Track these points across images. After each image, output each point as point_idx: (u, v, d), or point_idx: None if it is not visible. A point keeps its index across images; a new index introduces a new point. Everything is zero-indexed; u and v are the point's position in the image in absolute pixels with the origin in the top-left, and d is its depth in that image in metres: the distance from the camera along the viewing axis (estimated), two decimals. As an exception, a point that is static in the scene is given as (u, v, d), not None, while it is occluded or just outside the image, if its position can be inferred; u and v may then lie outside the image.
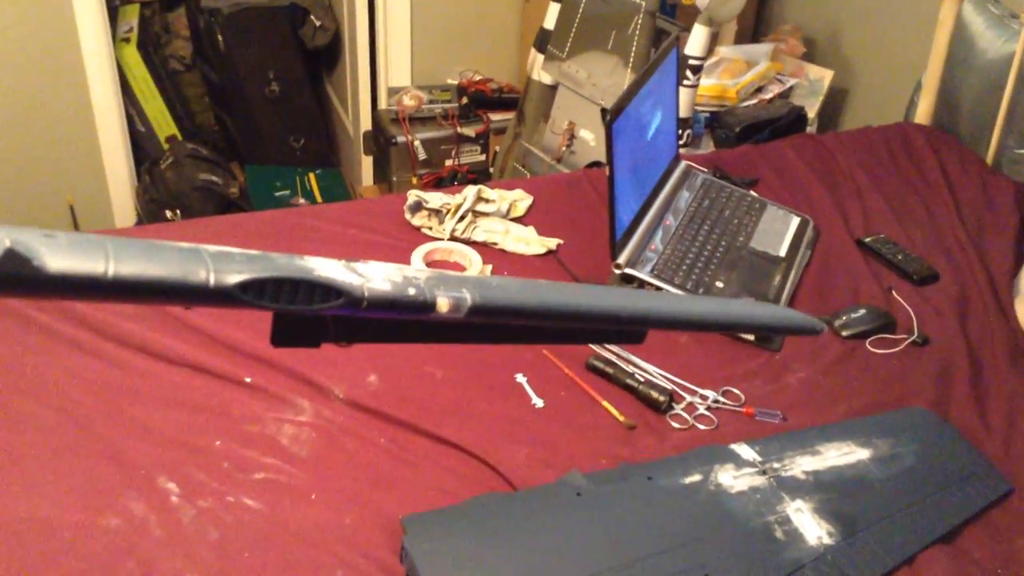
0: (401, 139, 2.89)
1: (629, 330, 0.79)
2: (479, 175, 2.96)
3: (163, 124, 3.26)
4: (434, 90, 3.01)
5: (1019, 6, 2.06)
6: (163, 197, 2.91)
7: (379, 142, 3.00)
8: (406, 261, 1.53)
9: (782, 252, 1.65)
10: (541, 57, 2.47)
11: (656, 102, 1.62)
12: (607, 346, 1.38)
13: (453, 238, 1.61)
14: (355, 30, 2.99)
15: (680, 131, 2.06)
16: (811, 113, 2.54)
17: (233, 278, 0.51)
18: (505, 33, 3.17)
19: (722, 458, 1.17)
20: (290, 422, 1.18)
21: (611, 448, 1.20)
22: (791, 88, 2.59)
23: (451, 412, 1.22)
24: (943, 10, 2.10)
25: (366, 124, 3.12)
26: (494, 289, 0.64)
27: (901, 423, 1.29)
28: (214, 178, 2.96)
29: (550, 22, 2.43)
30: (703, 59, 2.15)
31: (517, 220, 1.70)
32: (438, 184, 2.92)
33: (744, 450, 1.19)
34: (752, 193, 1.82)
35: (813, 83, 2.63)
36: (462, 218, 1.62)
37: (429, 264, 1.56)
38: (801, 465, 1.18)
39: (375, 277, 0.58)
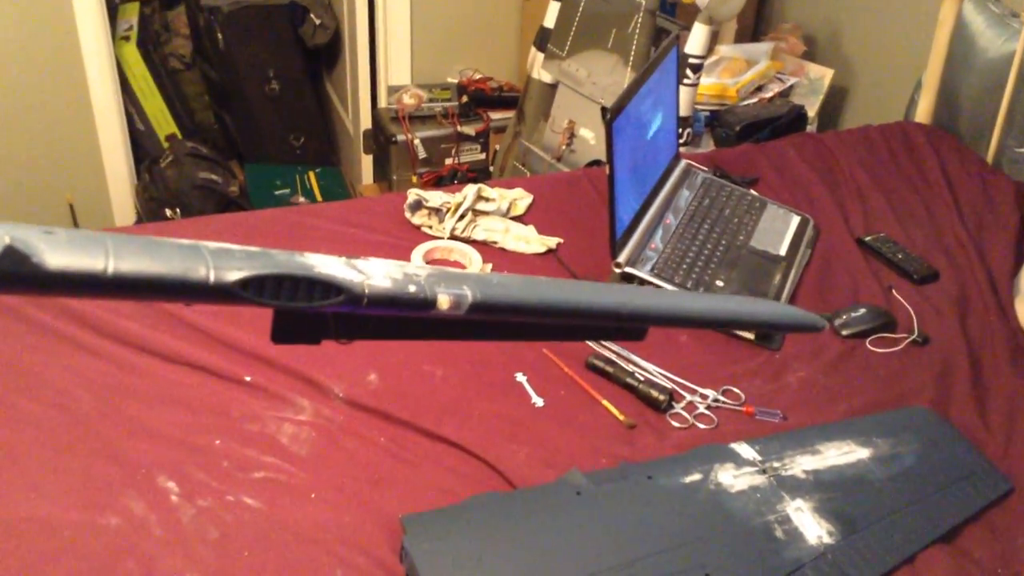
0: (401, 138, 2.89)
1: (630, 327, 0.79)
2: (479, 174, 2.96)
3: (163, 122, 3.26)
4: (434, 89, 3.01)
5: (1019, 5, 2.06)
6: (163, 196, 2.90)
7: (379, 141, 3.00)
8: (406, 260, 1.53)
9: (782, 251, 1.65)
10: (541, 56, 2.46)
11: (656, 101, 1.62)
12: (607, 345, 1.38)
13: (453, 237, 1.60)
14: (355, 28, 2.99)
15: (680, 130, 2.06)
16: (811, 112, 2.54)
17: (233, 275, 0.51)
18: (505, 32, 3.17)
19: (722, 457, 1.17)
20: (290, 421, 1.18)
21: (611, 447, 1.20)
22: (791, 87, 2.59)
23: (451, 411, 1.22)
24: (943, 9, 2.10)
25: (366, 123, 3.12)
26: (495, 286, 0.64)
27: (901, 422, 1.29)
28: (214, 177, 2.95)
29: (550, 21, 2.43)
30: (703, 58, 2.15)
31: (517, 219, 1.70)
32: (438, 183, 2.92)
33: (744, 449, 1.19)
34: (752, 192, 1.82)
35: (813, 82, 2.63)
36: (462, 217, 1.62)
37: (429, 263, 1.56)
38: (801, 464, 1.18)
39: (376, 274, 0.57)
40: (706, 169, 1.86)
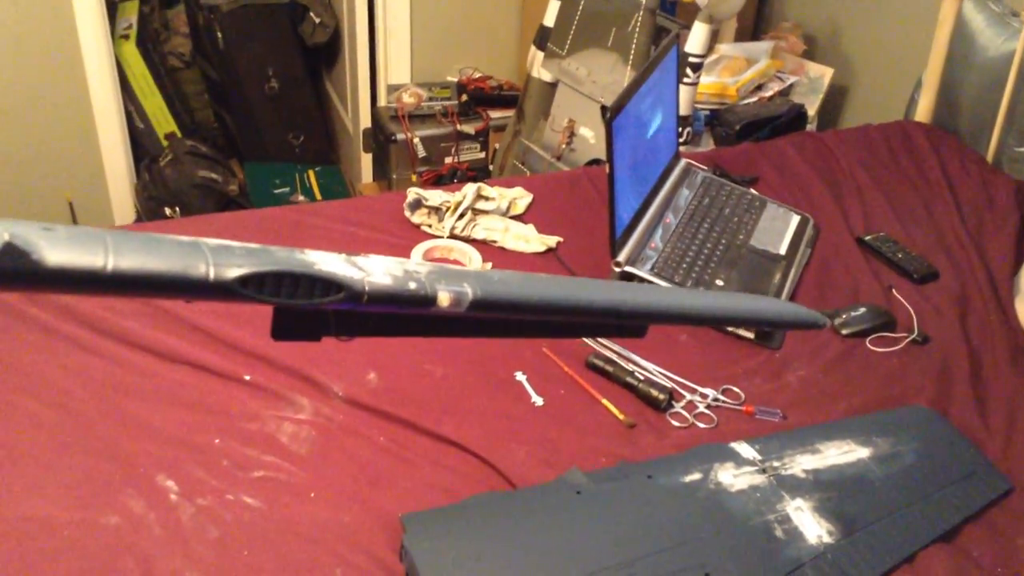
0: (401, 136, 2.89)
1: (631, 324, 0.79)
2: (479, 173, 2.95)
3: (162, 121, 3.26)
4: (434, 87, 3.01)
5: (1020, 4, 2.06)
6: (162, 194, 2.90)
7: (378, 139, 3.00)
8: (406, 258, 1.52)
9: (782, 250, 1.65)
10: (541, 54, 2.46)
11: (656, 100, 1.62)
12: (607, 344, 1.38)
13: (453, 236, 1.60)
14: (355, 27, 2.98)
15: (680, 129, 2.06)
16: (811, 111, 2.53)
17: (233, 272, 0.50)
18: (505, 30, 3.17)
19: (722, 457, 1.17)
20: (289, 420, 1.18)
21: (611, 446, 1.20)
22: (791, 86, 2.59)
23: (451, 410, 1.22)
24: (943, 8, 2.09)
25: (366, 121, 3.12)
26: (495, 283, 0.64)
27: (901, 421, 1.29)
28: (213, 175, 2.95)
29: (550, 19, 2.43)
30: (703, 57, 2.15)
31: (517, 218, 1.69)
32: (438, 182, 2.92)
33: (744, 448, 1.19)
34: (752, 191, 1.82)
35: (813, 81, 2.63)
36: (462, 216, 1.62)
37: (429, 262, 1.56)
38: (801, 464, 1.18)
39: (376, 271, 0.57)
40: (706, 168, 1.86)
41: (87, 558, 0.97)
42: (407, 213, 1.64)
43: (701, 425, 1.26)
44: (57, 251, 0.44)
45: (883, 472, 1.19)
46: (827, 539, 1.07)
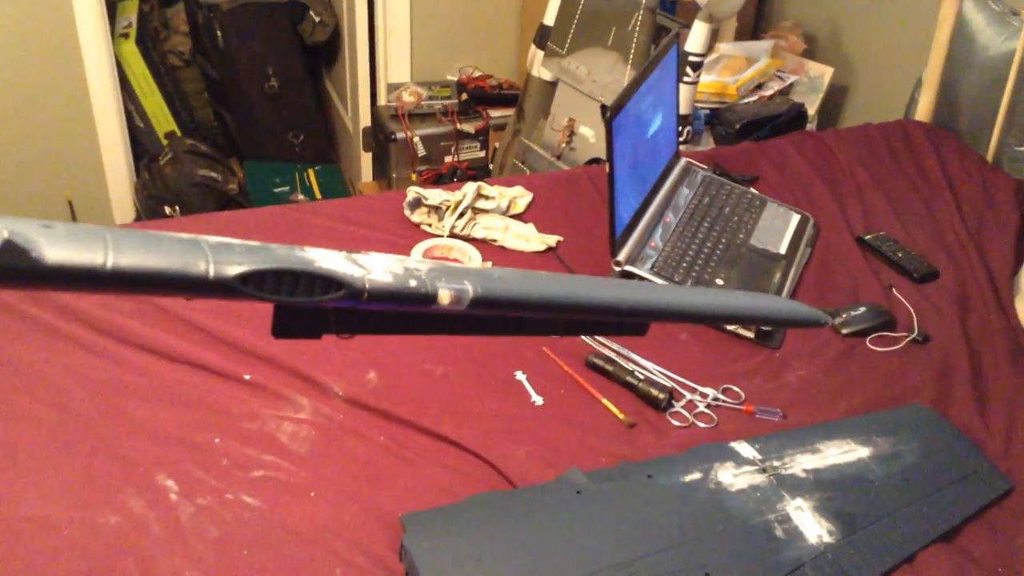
0: (400, 135, 2.89)
1: (631, 321, 0.79)
2: (479, 172, 2.95)
3: (162, 120, 3.25)
4: (434, 86, 3.01)
5: (1020, 3, 2.05)
6: (162, 193, 2.90)
7: (378, 138, 3.00)
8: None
9: (782, 249, 1.65)
10: (541, 53, 2.46)
11: (656, 99, 1.62)
12: (607, 344, 1.37)
13: (453, 235, 1.60)
14: (355, 26, 2.98)
15: (680, 128, 2.06)
16: (811, 110, 2.53)
17: (233, 269, 0.50)
18: (505, 29, 3.17)
19: (722, 456, 1.17)
20: (289, 419, 1.18)
21: (611, 446, 1.20)
22: (791, 85, 2.59)
23: (450, 410, 1.22)
24: (944, 7, 2.09)
25: (365, 120, 3.12)
26: (496, 281, 0.64)
27: (901, 421, 1.29)
28: (213, 174, 2.95)
29: (550, 18, 2.43)
30: (703, 56, 2.15)
31: (517, 217, 1.69)
32: (437, 181, 2.92)
33: (744, 448, 1.19)
34: (752, 190, 1.81)
35: (813, 80, 2.63)
36: (462, 215, 1.62)
37: (429, 260, 1.56)
38: (801, 463, 1.18)
39: (376, 269, 0.57)
40: (706, 167, 1.86)
41: (87, 558, 0.97)
42: (407, 212, 1.64)
43: (701, 424, 1.26)
44: (57, 248, 0.44)
45: (883, 472, 1.19)
46: (827, 539, 1.07)
